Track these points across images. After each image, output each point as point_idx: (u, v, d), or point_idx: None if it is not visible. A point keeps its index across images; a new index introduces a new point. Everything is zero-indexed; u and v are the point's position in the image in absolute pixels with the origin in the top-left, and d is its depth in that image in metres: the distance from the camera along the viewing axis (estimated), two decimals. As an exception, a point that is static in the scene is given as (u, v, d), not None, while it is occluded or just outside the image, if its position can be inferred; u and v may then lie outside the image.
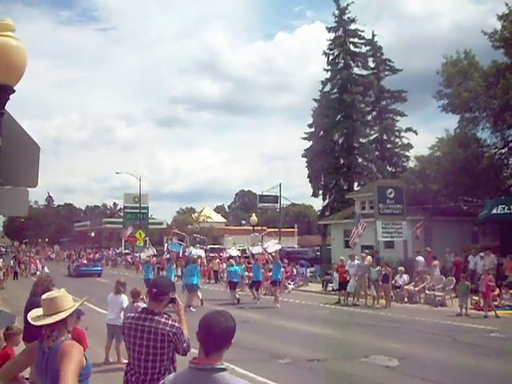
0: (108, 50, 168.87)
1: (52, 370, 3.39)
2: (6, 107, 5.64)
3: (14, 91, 5.65)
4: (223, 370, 2.75)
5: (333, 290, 24.23)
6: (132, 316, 4.27)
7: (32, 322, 3.59)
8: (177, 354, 4.14)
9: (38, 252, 62.83)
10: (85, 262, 42.61)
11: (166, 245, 37.48)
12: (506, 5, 27.76)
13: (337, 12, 49.98)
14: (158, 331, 4.06)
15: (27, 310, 7.35)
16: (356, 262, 21.72)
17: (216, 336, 2.76)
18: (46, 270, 36.57)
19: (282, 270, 23.37)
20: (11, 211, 6.64)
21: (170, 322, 4.13)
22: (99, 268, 39.45)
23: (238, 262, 25.74)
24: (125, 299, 10.55)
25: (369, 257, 22.01)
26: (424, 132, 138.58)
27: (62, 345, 3.42)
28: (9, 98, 5.65)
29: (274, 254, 23.70)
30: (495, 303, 18.01)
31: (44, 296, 3.64)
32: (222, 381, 2.70)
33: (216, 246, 49.17)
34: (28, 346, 3.88)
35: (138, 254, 46.38)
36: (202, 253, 29.83)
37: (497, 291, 18.88)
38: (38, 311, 3.66)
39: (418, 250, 24.55)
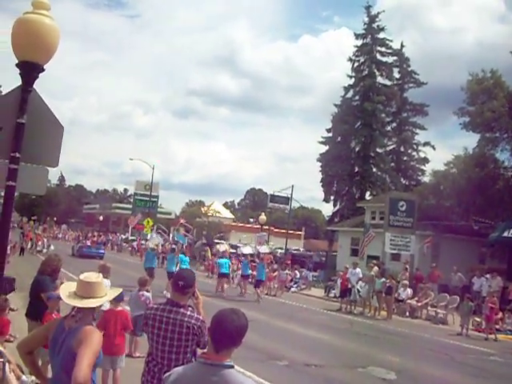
0: (132, 36, 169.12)
1: (65, 349, 3.40)
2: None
3: (43, 70, 5.60)
4: (231, 367, 2.78)
5: (335, 296, 24.27)
6: (156, 307, 4.26)
7: (64, 299, 3.61)
8: (197, 346, 4.14)
9: (45, 230, 62.94)
10: (88, 243, 43.35)
11: (171, 234, 37.76)
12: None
13: (366, 19, 49.58)
14: (184, 324, 4.06)
15: (33, 287, 7.44)
16: (357, 270, 21.68)
17: (227, 333, 2.78)
18: (52, 247, 37.57)
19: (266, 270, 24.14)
20: (30, 189, 6.58)
21: (196, 315, 4.13)
22: (102, 251, 39.88)
23: (249, 260, 25.60)
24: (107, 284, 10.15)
25: (375, 267, 21.94)
26: (441, 148, 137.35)
27: (83, 328, 3.42)
28: (38, 77, 5.59)
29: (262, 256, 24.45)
30: (497, 326, 17.90)
31: (82, 276, 3.64)
32: (230, 377, 2.73)
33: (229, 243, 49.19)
34: (49, 322, 3.91)
35: (144, 242, 46.60)
36: (226, 247, 30.31)
37: (500, 315, 18.76)
38: (71, 286, 3.66)
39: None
